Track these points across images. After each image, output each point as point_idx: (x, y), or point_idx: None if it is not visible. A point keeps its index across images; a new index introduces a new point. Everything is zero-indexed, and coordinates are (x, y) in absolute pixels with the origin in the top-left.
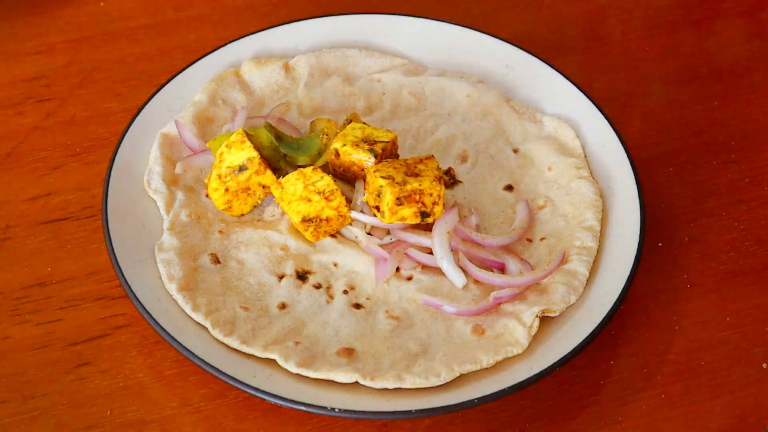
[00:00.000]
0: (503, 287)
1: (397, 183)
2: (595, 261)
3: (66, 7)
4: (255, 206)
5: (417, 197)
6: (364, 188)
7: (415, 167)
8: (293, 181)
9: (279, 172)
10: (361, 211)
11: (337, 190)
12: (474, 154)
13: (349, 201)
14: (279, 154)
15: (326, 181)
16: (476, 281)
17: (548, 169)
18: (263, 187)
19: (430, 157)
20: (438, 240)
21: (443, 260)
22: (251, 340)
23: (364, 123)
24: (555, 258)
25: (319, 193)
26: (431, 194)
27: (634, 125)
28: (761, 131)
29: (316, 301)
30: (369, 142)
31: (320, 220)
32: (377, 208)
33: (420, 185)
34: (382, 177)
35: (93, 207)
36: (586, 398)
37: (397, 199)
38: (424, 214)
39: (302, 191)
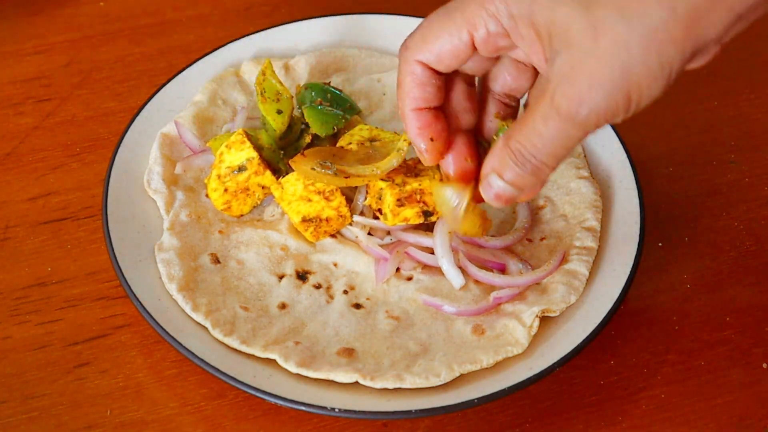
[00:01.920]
0: (503, 287)
1: (396, 184)
2: (595, 261)
3: (66, 7)
4: (254, 207)
5: (418, 197)
6: (366, 190)
7: (415, 167)
8: (293, 182)
9: (279, 172)
10: (362, 213)
11: (336, 190)
12: None
13: (350, 201)
14: (278, 155)
15: None
16: (476, 281)
17: None
18: (262, 187)
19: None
20: (439, 239)
21: (443, 259)
22: (251, 340)
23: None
24: (555, 258)
25: (318, 193)
26: (432, 193)
27: (634, 125)
28: (761, 131)
29: (316, 301)
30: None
31: (320, 220)
32: (380, 210)
33: (420, 185)
34: (382, 179)
35: (93, 207)
36: (586, 398)
37: (398, 200)
38: (426, 213)
39: (302, 191)
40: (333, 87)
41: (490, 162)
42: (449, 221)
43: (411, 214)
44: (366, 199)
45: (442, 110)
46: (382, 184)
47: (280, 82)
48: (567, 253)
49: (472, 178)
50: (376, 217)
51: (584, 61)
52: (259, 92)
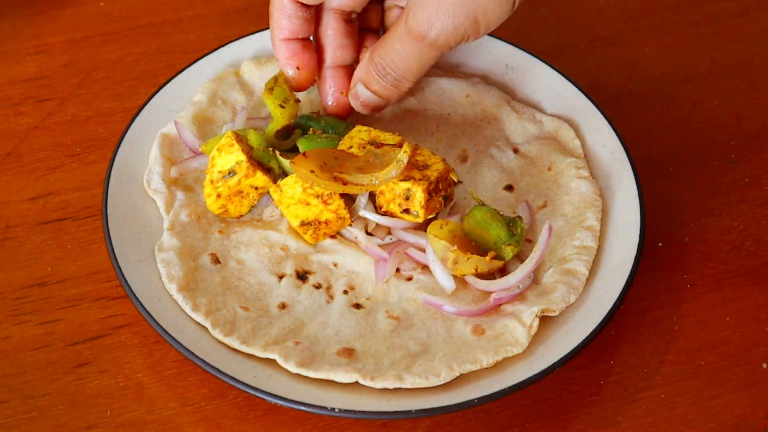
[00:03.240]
0: (498, 290)
1: (420, 180)
2: (595, 261)
3: (66, 7)
4: (252, 206)
5: (440, 185)
6: (377, 193)
7: (416, 160)
8: (291, 184)
9: (271, 171)
10: (364, 209)
11: (335, 193)
12: (474, 154)
13: (352, 201)
14: (269, 155)
15: None
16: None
17: (548, 169)
18: (256, 188)
19: (412, 146)
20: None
21: (434, 264)
22: (251, 340)
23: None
24: (541, 242)
25: (317, 196)
26: (446, 178)
27: (634, 125)
28: (761, 131)
29: (316, 301)
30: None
31: (319, 222)
32: (407, 211)
33: (438, 172)
34: (403, 181)
35: (93, 207)
36: (586, 398)
37: (428, 194)
38: (446, 199)
39: (300, 194)
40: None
41: (358, 73)
42: (446, 268)
43: (436, 203)
44: (376, 201)
45: (310, 42)
46: (407, 184)
47: (291, 91)
48: (551, 226)
49: (349, 110)
50: (399, 219)
51: None
52: (267, 88)
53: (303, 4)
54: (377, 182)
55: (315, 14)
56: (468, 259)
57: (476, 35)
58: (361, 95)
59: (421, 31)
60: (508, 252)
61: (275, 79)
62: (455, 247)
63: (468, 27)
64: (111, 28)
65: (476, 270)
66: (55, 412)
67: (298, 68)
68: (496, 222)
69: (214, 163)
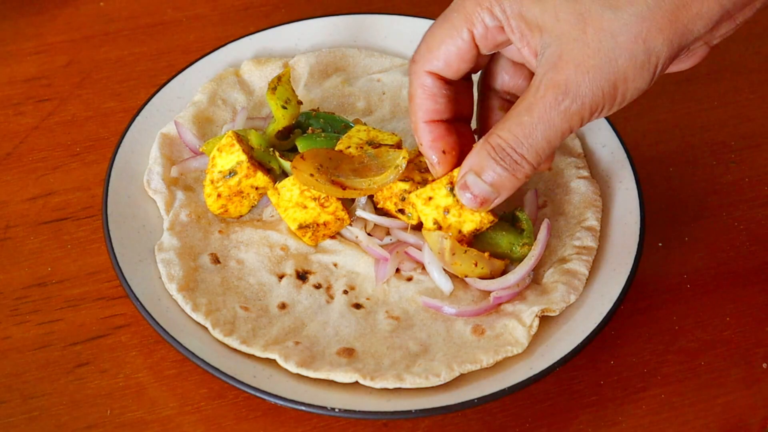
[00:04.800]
0: (497, 289)
1: (418, 183)
2: (595, 261)
3: (66, 7)
4: (252, 206)
5: None
6: (377, 191)
7: (419, 161)
8: (289, 187)
9: (271, 172)
10: (363, 208)
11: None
12: None
13: (351, 201)
14: (270, 155)
15: None
16: None
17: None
18: (256, 188)
19: (412, 151)
20: (428, 247)
21: (431, 266)
22: (251, 340)
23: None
24: (540, 240)
25: (314, 199)
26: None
27: (634, 125)
28: (761, 131)
29: (316, 301)
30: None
31: (317, 225)
32: (402, 211)
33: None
34: (402, 181)
35: (93, 207)
36: (586, 398)
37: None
38: None
39: (298, 197)
40: (325, 112)
41: (468, 161)
42: (444, 264)
43: None
44: (374, 197)
45: (453, 124)
46: (405, 185)
47: (293, 91)
48: (549, 223)
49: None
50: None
51: (572, 48)
52: (270, 87)
53: (446, 81)
54: (375, 187)
55: (456, 94)
56: (465, 251)
57: (610, 106)
58: (471, 185)
59: (556, 96)
60: (526, 251)
61: (278, 78)
62: (450, 234)
63: (607, 94)
64: (111, 28)
65: (476, 265)
66: (55, 412)
67: (443, 152)
68: (501, 231)
69: (214, 163)
